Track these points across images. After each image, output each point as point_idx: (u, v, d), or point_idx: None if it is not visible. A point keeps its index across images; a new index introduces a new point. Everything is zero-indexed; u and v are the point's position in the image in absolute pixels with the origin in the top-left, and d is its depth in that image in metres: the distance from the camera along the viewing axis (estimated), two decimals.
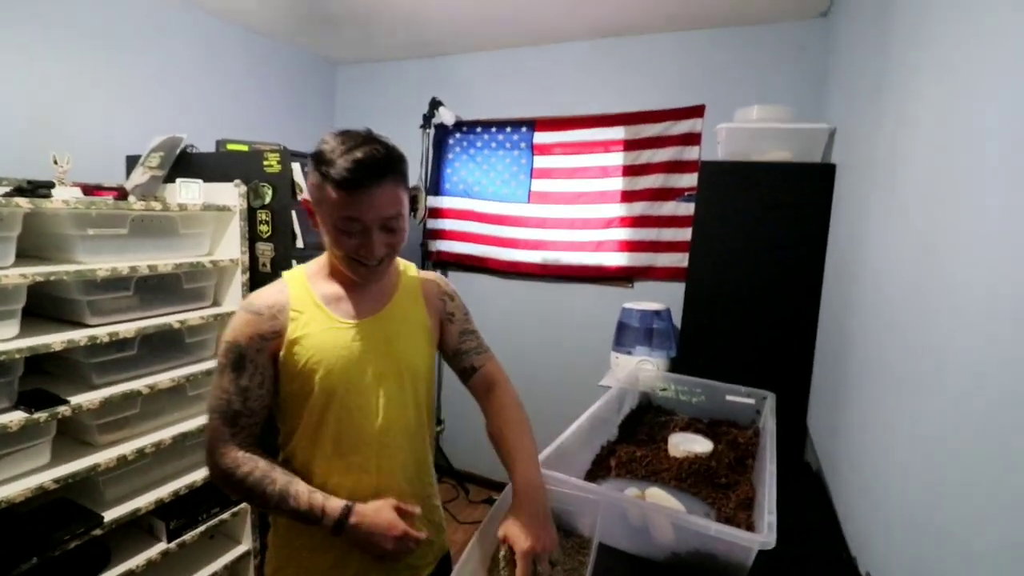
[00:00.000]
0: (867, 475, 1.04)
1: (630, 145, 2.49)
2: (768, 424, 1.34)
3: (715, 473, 1.24)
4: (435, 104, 2.69)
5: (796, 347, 1.74)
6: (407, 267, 1.05)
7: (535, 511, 0.84)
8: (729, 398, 1.60)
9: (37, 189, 1.53)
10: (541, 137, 2.68)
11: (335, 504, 0.87)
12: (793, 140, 1.79)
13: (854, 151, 1.49)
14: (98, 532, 1.48)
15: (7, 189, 1.47)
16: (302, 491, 0.86)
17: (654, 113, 2.44)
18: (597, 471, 1.29)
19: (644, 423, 1.58)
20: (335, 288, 0.94)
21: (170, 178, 1.89)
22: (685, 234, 2.37)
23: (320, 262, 0.97)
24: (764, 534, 0.83)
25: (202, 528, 1.79)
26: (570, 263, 2.67)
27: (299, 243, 1.95)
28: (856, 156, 1.46)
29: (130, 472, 1.64)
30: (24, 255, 1.50)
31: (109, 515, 1.52)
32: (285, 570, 0.98)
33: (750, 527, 1.00)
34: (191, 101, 2.44)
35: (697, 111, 2.36)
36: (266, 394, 0.90)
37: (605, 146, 2.55)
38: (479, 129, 2.84)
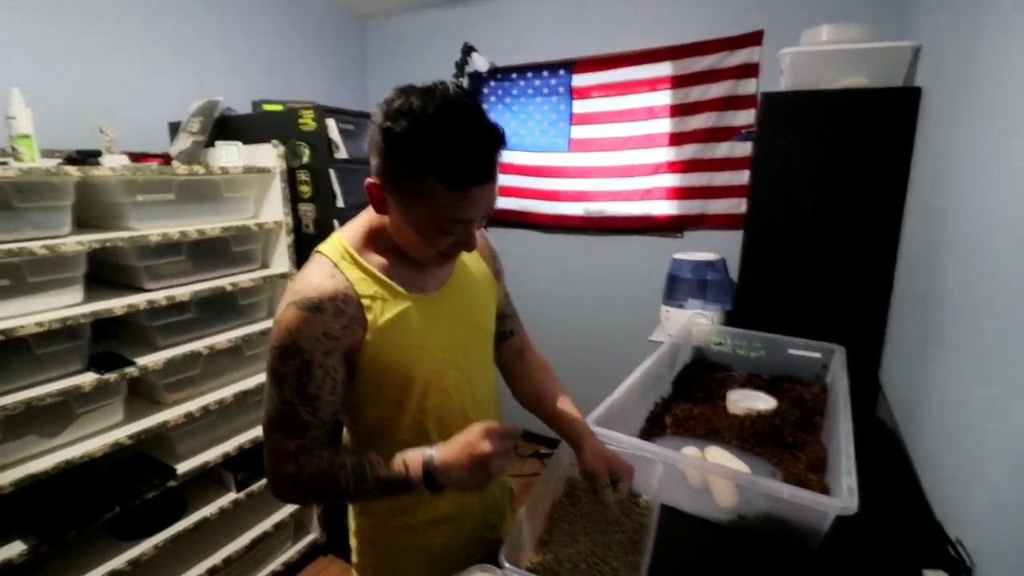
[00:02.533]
0: (958, 436, 0.95)
1: (678, 82, 2.30)
2: (839, 380, 1.24)
3: (780, 432, 1.17)
4: (467, 50, 2.55)
5: (868, 297, 1.60)
6: None
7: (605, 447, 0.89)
8: (792, 352, 1.51)
9: (87, 158, 1.56)
10: (580, 79, 2.52)
11: (415, 458, 0.73)
12: (870, 63, 1.59)
13: (945, 71, 1.30)
14: (173, 483, 1.58)
15: (60, 160, 1.50)
16: (376, 461, 0.74)
17: (705, 44, 2.23)
18: (652, 429, 1.25)
19: (699, 379, 1.52)
20: (393, 258, 0.80)
21: (211, 143, 1.89)
22: (742, 177, 2.21)
23: (362, 228, 0.81)
24: (844, 498, 0.77)
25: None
26: (615, 214, 2.55)
27: (339, 203, 1.92)
28: (948, 77, 1.27)
29: (197, 428, 1.73)
30: (83, 224, 1.55)
31: (181, 468, 1.62)
32: (383, 565, 0.92)
33: (823, 490, 0.93)
34: (226, 63, 2.41)
35: (754, 38, 2.14)
36: (337, 400, 0.77)
37: (651, 84, 2.36)
38: (515, 75, 2.69)
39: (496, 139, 0.69)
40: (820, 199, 1.63)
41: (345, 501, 0.77)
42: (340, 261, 0.77)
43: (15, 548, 1.27)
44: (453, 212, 0.70)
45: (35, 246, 1.28)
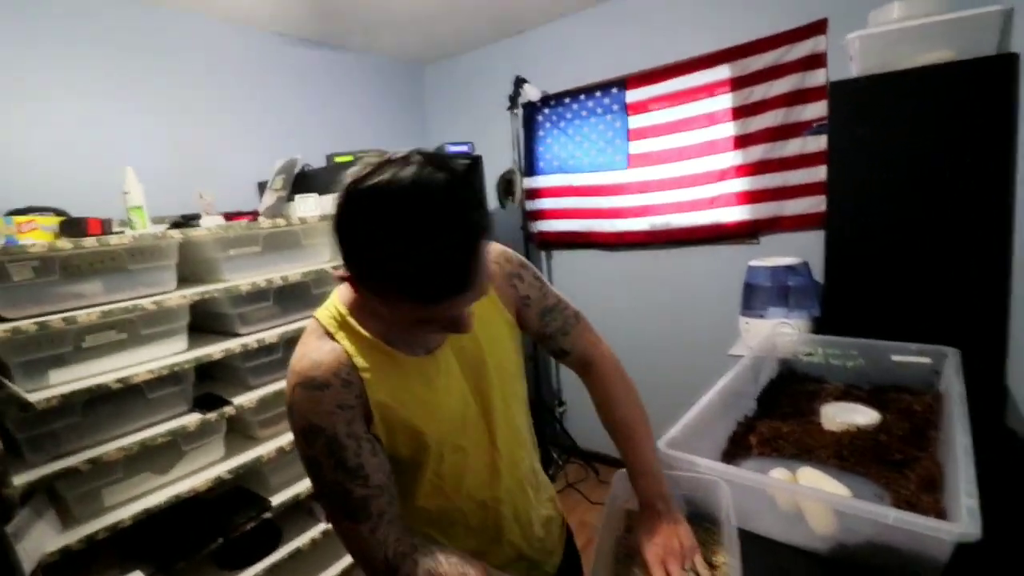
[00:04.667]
0: None
1: (738, 83, 2.20)
2: (953, 386, 1.09)
3: (886, 448, 1.04)
4: (519, 83, 2.62)
5: (981, 291, 1.41)
6: None
7: (661, 515, 0.79)
8: (896, 358, 1.35)
9: (188, 221, 1.76)
10: (634, 95, 2.49)
11: None
12: (953, 34, 1.44)
13: None
14: (268, 515, 1.68)
15: (167, 225, 1.71)
16: None
17: (764, 41, 2.13)
18: (735, 450, 1.15)
19: (787, 394, 1.40)
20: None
21: (292, 196, 2.07)
22: (818, 174, 2.05)
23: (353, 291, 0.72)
24: (963, 522, 0.66)
25: None
26: (681, 225, 2.45)
27: None
28: None
29: (288, 461, 1.83)
30: (184, 279, 1.74)
31: (275, 500, 1.72)
32: None
33: (938, 513, 0.81)
34: (304, 123, 2.66)
35: (819, 27, 2.01)
36: (383, 460, 0.71)
37: (709, 90, 2.29)
38: (567, 100, 2.72)
39: (473, 238, 0.59)
40: (910, 187, 1.47)
41: None
42: (337, 331, 0.71)
43: None
44: (430, 316, 0.63)
45: (146, 302, 1.45)
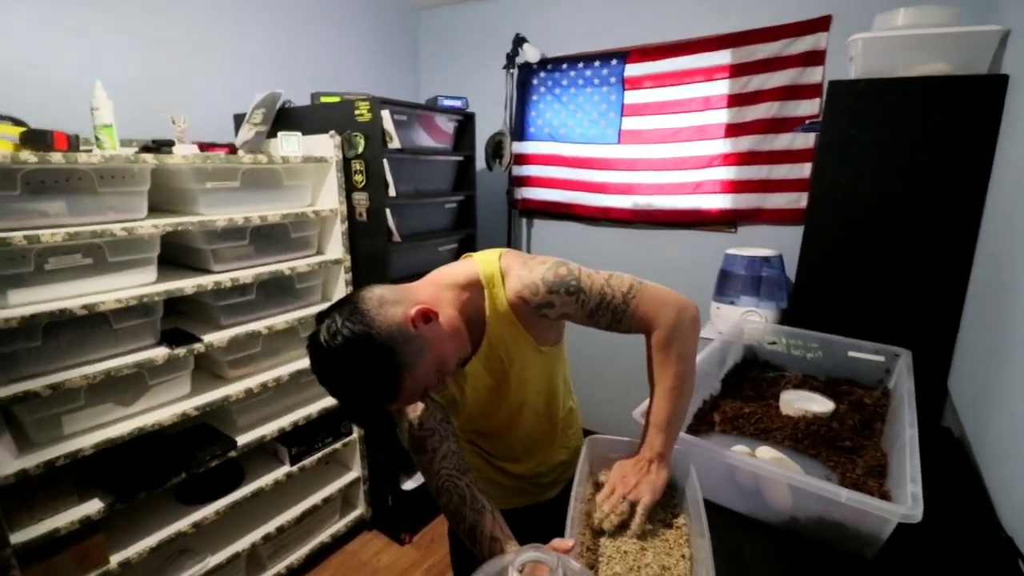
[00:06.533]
0: None
1: (738, 71, 2.21)
2: (903, 384, 1.18)
3: (837, 435, 1.12)
4: (519, 41, 2.55)
5: (938, 299, 1.51)
6: (494, 293, 0.90)
7: (642, 458, 0.87)
8: (852, 354, 1.44)
9: (161, 147, 1.66)
10: (633, 69, 2.46)
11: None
12: (952, 48, 1.48)
13: None
14: (233, 454, 1.67)
15: (136, 149, 1.61)
16: (483, 536, 0.80)
17: (768, 31, 2.13)
18: (700, 426, 1.22)
19: (750, 379, 1.47)
20: None
21: (272, 133, 1.97)
22: (802, 170, 2.11)
23: None
24: (907, 505, 0.73)
25: (318, 455, 1.98)
26: (663, 207, 2.49)
27: (392, 191, 1.97)
28: None
29: (256, 403, 1.82)
30: (155, 209, 1.65)
31: (241, 440, 1.71)
32: None
33: (883, 496, 0.89)
34: (287, 57, 2.51)
35: (822, 23, 2.03)
36: (437, 407, 0.92)
37: (707, 74, 2.29)
38: (565, 66, 2.66)
39: (356, 403, 0.79)
40: (889, 194, 1.54)
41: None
42: None
43: (94, 505, 1.39)
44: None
45: (116, 228, 1.38)
